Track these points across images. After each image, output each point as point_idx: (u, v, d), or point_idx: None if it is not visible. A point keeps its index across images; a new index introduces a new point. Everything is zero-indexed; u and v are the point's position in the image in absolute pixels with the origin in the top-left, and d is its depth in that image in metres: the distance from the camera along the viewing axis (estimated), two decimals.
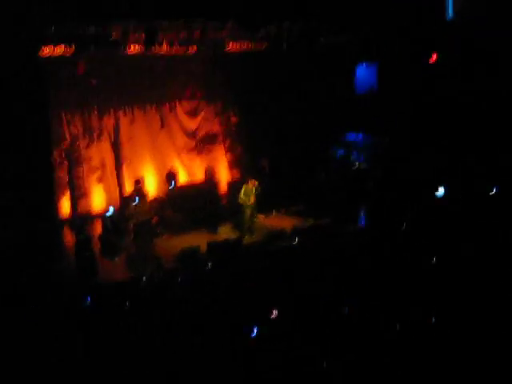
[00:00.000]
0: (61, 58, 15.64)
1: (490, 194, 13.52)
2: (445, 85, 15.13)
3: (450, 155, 14.94)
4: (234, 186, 17.41)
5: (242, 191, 14.50)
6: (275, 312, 8.40)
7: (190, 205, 16.35)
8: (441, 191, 14.57)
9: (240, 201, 14.67)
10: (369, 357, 7.28)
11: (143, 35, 15.14)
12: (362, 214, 15.87)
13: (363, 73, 18.46)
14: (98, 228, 16.00)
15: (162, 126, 18.89)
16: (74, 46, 14.84)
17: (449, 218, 12.62)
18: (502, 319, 8.01)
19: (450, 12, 14.39)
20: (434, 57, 15.51)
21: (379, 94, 17.42)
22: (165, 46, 16.04)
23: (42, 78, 15.72)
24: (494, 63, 13.83)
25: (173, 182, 17.91)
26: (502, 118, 14.02)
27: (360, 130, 18.41)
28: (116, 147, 17.89)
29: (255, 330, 7.83)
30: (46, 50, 14.79)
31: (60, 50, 14.82)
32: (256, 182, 14.52)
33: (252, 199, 14.46)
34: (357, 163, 18.68)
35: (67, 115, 17.22)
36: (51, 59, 15.69)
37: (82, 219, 16.29)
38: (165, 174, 18.23)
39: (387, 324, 7.97)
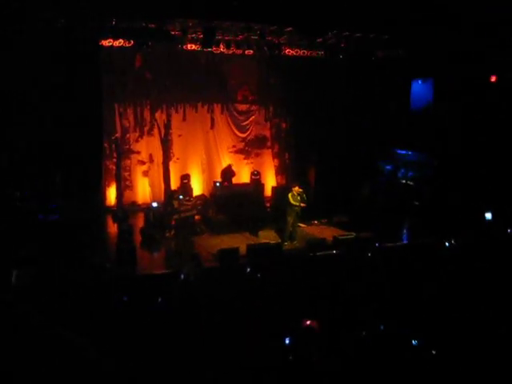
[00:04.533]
0: (119, 50, 16.02)
1: None
2: (504, 108, 14.75)
3: (502, 179, 14.57)
4: (279, 192, 17.34)
5: (290, 195, 14.19)
6: (309, 321, 8.25)
7: (234, 206, 16.36)
8: (488, 215, 14.22)
9: (289, 203, 14.26)
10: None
11: (201, 34, 15.35)
12: (405, 230, 15.66)
13: (419, 88, 18.15)
14: (140, 221, 16.21)
15: (212, 126, 19.06)
16: (133, 40, 15.18)
17: (496, 244, 12.26)
18: None
19: None
20: (494, 77, 15.16)
21: (433, 112, 17.07)
22: (222, 47, 16.21)
23: (99, 69, 16.11)
24: None
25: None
26: None
27: (411, 146, 18.10)
28: (165, 143, 18.12)
29: (288, 339, 7.68)
30: (106, 42, 15.14)
31: (119, 43, 15.14)
32: (300, 189, 14.25)
33: (300, 204, 14.17)
34: (404, 180, 18.43)
35: (120, 108, 17.57)
36: (110, 51, 16.09)
37: (125, 210, 16.53)
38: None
39: (420, 342, 7.76)
